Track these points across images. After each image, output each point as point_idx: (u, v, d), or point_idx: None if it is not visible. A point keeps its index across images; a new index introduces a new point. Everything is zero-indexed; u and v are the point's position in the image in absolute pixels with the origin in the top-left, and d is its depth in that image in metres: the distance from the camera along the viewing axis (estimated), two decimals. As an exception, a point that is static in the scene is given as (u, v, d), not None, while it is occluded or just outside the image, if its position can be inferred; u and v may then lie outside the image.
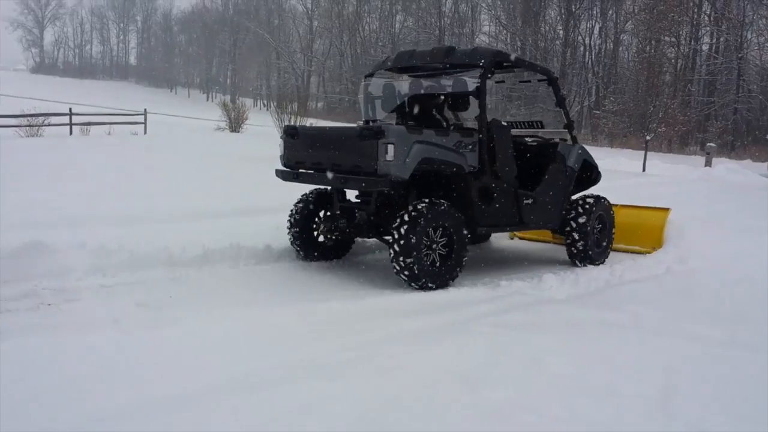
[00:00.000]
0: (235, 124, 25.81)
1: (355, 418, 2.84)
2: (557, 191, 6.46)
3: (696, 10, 38.26)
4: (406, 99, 6.28)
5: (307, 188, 6.20)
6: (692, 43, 38.64)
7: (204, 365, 3.36)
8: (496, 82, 7.50)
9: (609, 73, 43.02)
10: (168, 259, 5.42)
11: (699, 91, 37.52)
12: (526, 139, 6.84)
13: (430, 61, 6.11)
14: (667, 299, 5.19)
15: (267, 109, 41.85)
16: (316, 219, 6.18)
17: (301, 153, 5.76)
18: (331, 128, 6.37)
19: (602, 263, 6.61)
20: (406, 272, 5.08)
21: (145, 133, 23.95)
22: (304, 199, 6.15)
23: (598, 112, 38.66)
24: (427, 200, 5.23)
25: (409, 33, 55.19)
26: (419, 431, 2.78)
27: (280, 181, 5.96)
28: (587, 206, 6.53)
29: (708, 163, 21.15)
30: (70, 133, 21.82)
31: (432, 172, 5.41)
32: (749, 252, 6.72)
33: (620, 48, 43.78)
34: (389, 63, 6.54)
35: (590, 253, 6.48)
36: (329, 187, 5.93)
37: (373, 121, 6.47)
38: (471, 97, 5.91)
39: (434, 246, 5.25)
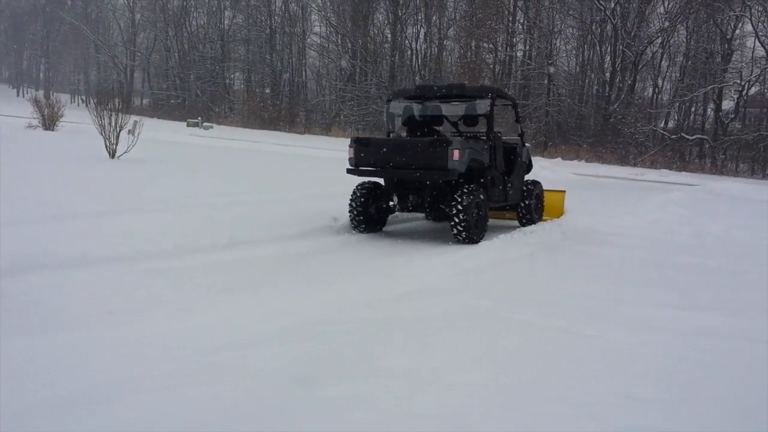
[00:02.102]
0: (49, 121, 23.28)
1: None
2: (520, 178, 9.59)
3: (511, 19, 40.09)
4: (426, 117, 8.94)
5: (352, 183, 8.59)
6: (508, 49, 40.47)
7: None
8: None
9: (435, 76, 43.96)
10: None
11: (514, 95, 39.34)
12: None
13: (446, 93, 8.65)
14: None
15: (87, 105, 37.87)
16: (367, 204, 8.39)
17: (374, 156, 8.10)
18: (402, 139, 8.84)
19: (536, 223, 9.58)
20: (462, 229, 7.66)
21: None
22: (360, 192, 8.37)
23: None
24: (471, 185, 7.87)
25: (239, 30, 52.80)
26: None
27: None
28: (531, 188, 9.56)
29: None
30: None
31: (470, 167, 7.91)
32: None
33: (444, 53, 44.78)
34: (412, 92, 9.11)
35: (534, 218, 9.58)
36: (381, 180, 8.62)
37: (393, 132, 9.20)
38: (479, 116, 8.65)
39: (474, 214, 7.74)
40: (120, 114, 15.35)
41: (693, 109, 39.56)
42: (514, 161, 9.35)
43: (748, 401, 3.36)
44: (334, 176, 15.15)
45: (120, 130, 15.19)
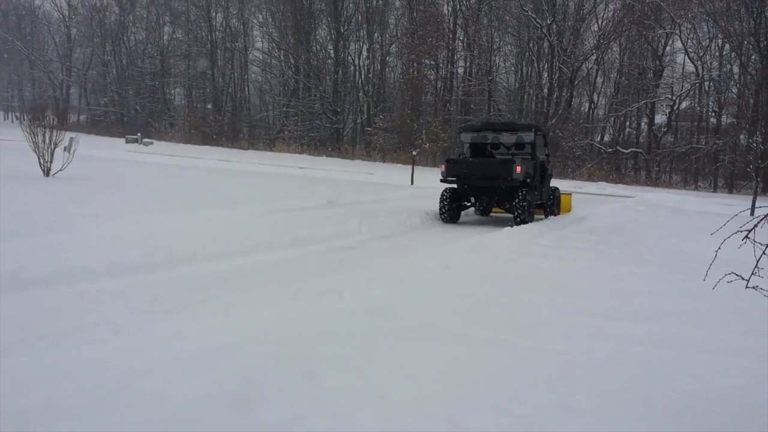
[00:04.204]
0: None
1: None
2: (548, 185, 14.02)
3: (451, 36, 40.80)
4: (487, 144, 13.66)
5: (438, 189, 13.25)
6: (449, 66, 41.13)
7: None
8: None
9: (378, 92, 44.24)
10: None
11: (457, 110, 39.93)
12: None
13: (502, 127, 14.57)
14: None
15: (21, 122, 36.45)
16: (453, 203, 12.67)
17: (460, 171, 12.50)
18: (479, 160, 13.12)
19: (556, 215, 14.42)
20: (521, 216, 11.89)
21: None
22: (447, 194, 12.66)
23: (369, 128, 39.41)
24: (525, 189, 12.16)
25: (179, 45, 52.01)
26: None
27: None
28: (554, 192, 14.50)
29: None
30: None
31: (524, 178, 12.10)
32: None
33: (387, 69, 45.13)
34: (479, 126, 14.26)
35: (555, 212, 14.44)
36: (460, 185, 12.73)
37: (463, 154, 13.83)
38: (527, 143, 13.26)
39: (527, 207, 12.03)
40: (54, 131, 14.84)
41: (627, 123, 41.14)
42: (545, 174, 13.77)
43: (678, 408, 3.45)
44: (278, 191, 15.05)
45: (55, 147, 14.69)
